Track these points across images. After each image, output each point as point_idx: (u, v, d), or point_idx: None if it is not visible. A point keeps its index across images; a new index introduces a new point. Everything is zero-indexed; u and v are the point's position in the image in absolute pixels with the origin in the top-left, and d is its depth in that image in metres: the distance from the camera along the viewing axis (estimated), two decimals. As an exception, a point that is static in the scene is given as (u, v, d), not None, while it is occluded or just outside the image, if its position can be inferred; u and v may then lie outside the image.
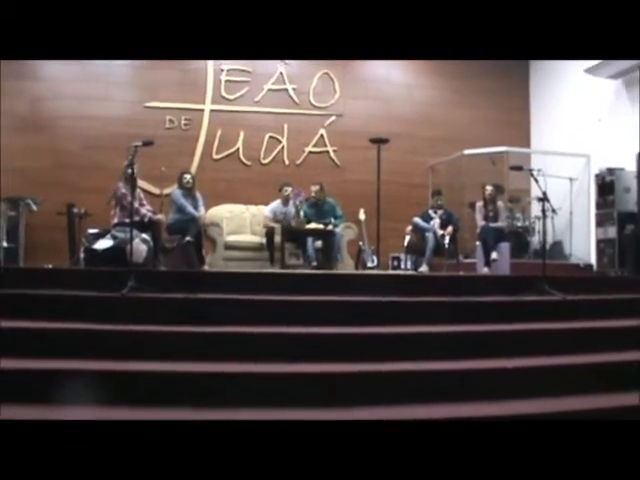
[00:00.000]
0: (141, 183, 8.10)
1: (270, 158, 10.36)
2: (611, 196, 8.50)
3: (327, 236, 8.57)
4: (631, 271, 7.51)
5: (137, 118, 9.77)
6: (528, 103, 11.50)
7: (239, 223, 9.45)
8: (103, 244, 6.45)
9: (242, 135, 10.25)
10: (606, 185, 8.62)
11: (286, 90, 10.51)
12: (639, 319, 4.97)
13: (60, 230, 8.61)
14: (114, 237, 6.49)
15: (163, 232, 7.45)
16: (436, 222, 8.28)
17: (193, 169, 9.57)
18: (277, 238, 8.44)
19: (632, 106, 9.15)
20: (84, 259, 6.63)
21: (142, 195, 7.54)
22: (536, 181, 6.41)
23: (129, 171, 5.81)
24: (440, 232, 8.15)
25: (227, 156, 10.22)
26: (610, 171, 8.59)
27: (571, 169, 9.56)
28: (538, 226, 9.13)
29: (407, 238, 8.64)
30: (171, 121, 10.05)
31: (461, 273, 7.43)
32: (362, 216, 9.19)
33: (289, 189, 8.78)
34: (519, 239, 9.20)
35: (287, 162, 10.40)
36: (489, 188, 8.40)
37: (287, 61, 10.40)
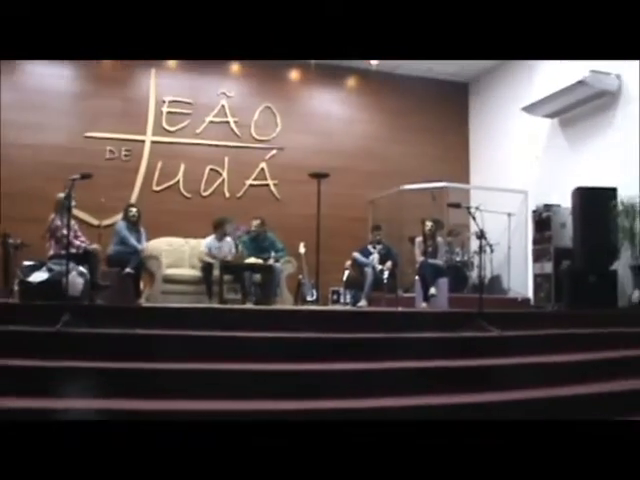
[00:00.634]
0: (79, 214, 7.92)
1: (210, 190, 10.27)
2: (548, 232, 8.63)
3: (266, 271, 8.52)
4: (567, 306, 7.61)
5: (77, 147, 9.59)
6: (467, 139, 11.75)
7: (178, 256, 9.35)
8: (38, 277, 6.27)
9: (183, 167, 10.14)
10: (543, 221, 8.75)
11: (227, 123, 10.47)
12: (574, 353, 5.07)
13: (-6, 261, 8.27)
14: (50, 270, 6.33)
15: (100, 263, 7.24)
16: (375, 257, 8.33)
17: (133, 200, 9.40)
18: (216, 272, 8.33)
19: (568, 144, 9.40)
20: (18, 292, 6.44)
21: (77, 227, 7.34)
22: (474, 218, 6.50)
23: (65, 203, 5.72)
24: (379, 267, 8.18)
25: (167, 188, 10.09)
26: (547, 207, 8.73)
27: (509, 205, 9.70)
28: (477, 261, 9.20)
29: (346, 273, 8.65)
30: (111, 152, 9.87)
31: (399, 308, 7.43)
32: (302, 249, 9.14)
33: (229, 226, 8.70)
34: (458, 273, 9.25)
35: (228, 195, 10.31)
36: (429, 223, 8.45)
37: (229, 93, 10.41)
